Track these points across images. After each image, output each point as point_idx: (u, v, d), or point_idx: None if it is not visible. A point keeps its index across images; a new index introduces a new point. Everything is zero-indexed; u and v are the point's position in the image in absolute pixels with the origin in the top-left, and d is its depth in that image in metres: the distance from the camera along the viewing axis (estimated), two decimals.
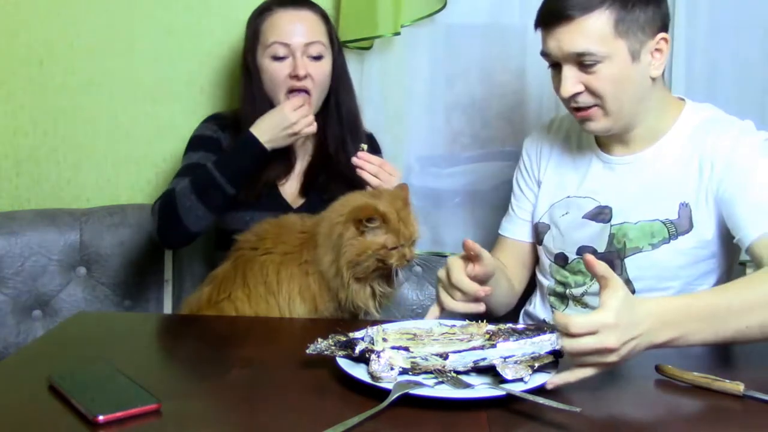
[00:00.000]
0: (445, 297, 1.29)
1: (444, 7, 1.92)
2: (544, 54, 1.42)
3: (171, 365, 1.20)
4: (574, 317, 0.99)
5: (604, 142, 1.52)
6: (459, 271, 1.27)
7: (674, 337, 1.04)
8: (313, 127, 1.65)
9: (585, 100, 1.40)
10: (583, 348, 0.98)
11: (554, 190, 1.57)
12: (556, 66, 1.41)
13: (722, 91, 1.94)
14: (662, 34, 1.39)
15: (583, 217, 1.50)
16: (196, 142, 1.75)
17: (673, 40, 1.90)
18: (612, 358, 0.99)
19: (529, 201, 1.64)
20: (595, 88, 1.37)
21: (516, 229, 1.65)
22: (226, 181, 1.59)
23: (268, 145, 1.62)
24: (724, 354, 1.25)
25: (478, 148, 2.09)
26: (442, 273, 1.30)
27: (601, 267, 1.03)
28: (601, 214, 1.48)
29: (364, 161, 1.58)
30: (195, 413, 0.98)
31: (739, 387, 1.01)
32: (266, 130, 1.62)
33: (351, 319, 1.44)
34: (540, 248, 1.60)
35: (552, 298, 1.58)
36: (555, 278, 1.56)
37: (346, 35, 1.89)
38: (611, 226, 1.47)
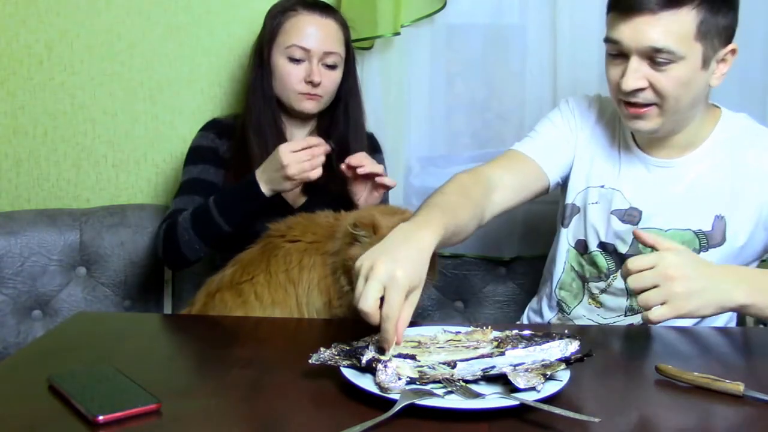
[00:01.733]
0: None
1: (444, 6, 1.92)
2: (611, 41, 1.34)
3: (171, 365, 1.20)
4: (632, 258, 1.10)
5: (640, 141, 1.48)
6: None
7: (751, 303, 1.09)
8: (316, 173, 1.54)
9: (646, 97, 1.34)
10: (645, 282, 1.07)
11: (591, 173, 1.52)
12: (619, 56, 1.34)
13: (722, 91, 1.92)
14: (732, 45, 1.34)
15: (611, 212, 1.47)
16: (194, 155, 1.74)
17: None
18: (677, 286, 1.05)
19: (559, 147, 1.54)
20: (660, 87, 1.32)
21: (533, 148, 1.53)
22: (223, 221, 1.58)
23: (266, 188, 1.56)
24: (724, 354, 1.25)
25: (478, 148, 2.09)
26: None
27: (651, 238, 1.14)
28: (628, 215, 1.45)
29: (358, 161, 1.57)
30: (195, 413, 0.98)
31: (739, 387, 1.00)
32: (265, 170, 1.56)
33: (353, 320, 1.44)
34: (564, 232, 1.56)
35: (562, 293, 1.56)
36: (570, 265, 1.54)
37: None
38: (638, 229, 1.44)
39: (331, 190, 1.70)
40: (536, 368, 0.99)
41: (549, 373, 0.99)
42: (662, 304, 1.07)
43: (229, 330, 1.37)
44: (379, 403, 0.95)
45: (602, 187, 1.50)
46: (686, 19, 1.28)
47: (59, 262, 1.89)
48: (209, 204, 1.59)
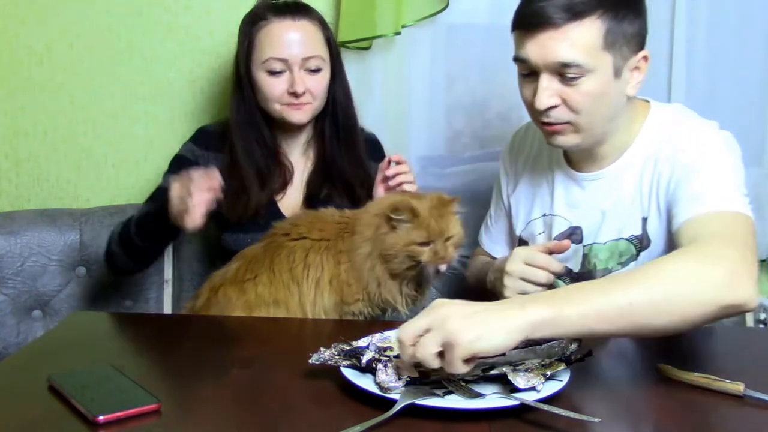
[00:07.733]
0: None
1: (446, 7, 1.92)
2: (519, 60, 1.30)
3: (171, 365, 1.20)
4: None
5: (572, 158, 1.46)
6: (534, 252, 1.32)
7: (553, 315, 0.94)
8: (194, 223, 1.38)
9: (558, 115, 1.30)
10: (418, 327, 0.94)
11: (530, 206, 1.53)
12: (530, 75, 1.31)
13: (722, 93, 1.93)
14: (644, 52, 1.30)
15: (555, 238, 1.45)
16: (173, 165, 1.70)
17: (673, 43, 1.91)
18: (452, 323, 0.91)
19: (503, 212, 1.64)
20: (573, 102, 1.28)
21: (492, 244, 1.68)
22: (140, 240, 1.59)
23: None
24: (724, 354, 1.25)
25: (479, 148, 2.09)
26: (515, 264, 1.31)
27: None
28: (573, 235, 1.44)
29: (396, 170, 1.55)
30: (195, 413, 0.98)
31: (739, 387, 1.01)
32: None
33: (353, 321, 1.44)
34: None
35: None
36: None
37: (346, 35, 1.89)
38: (583, 246, 1.42)
39: (336, 200, 1.67)
40: (536, 368, 0.99)
41: (549, 373, 0.99)
42: (441, 351, 0.92)
43: (229, 330, 1.37)
44: (379, 403, 0.95)
45: (544, 215, 1.50)
46: (591, 29, 1.24)
47: (59, 262, 1.89)
48: (132, 218, 1.61)
